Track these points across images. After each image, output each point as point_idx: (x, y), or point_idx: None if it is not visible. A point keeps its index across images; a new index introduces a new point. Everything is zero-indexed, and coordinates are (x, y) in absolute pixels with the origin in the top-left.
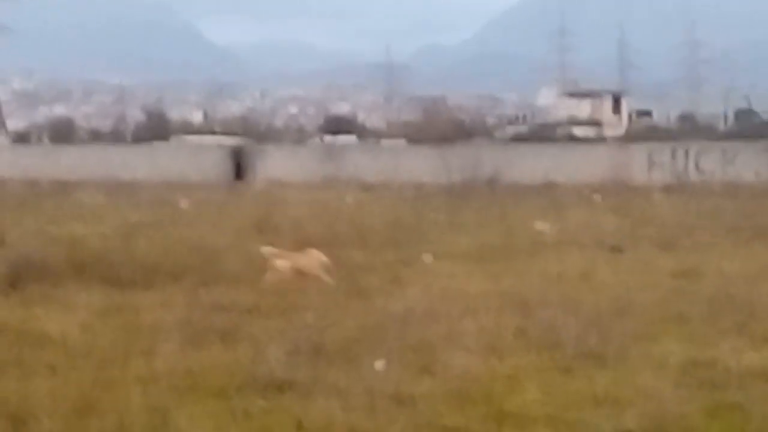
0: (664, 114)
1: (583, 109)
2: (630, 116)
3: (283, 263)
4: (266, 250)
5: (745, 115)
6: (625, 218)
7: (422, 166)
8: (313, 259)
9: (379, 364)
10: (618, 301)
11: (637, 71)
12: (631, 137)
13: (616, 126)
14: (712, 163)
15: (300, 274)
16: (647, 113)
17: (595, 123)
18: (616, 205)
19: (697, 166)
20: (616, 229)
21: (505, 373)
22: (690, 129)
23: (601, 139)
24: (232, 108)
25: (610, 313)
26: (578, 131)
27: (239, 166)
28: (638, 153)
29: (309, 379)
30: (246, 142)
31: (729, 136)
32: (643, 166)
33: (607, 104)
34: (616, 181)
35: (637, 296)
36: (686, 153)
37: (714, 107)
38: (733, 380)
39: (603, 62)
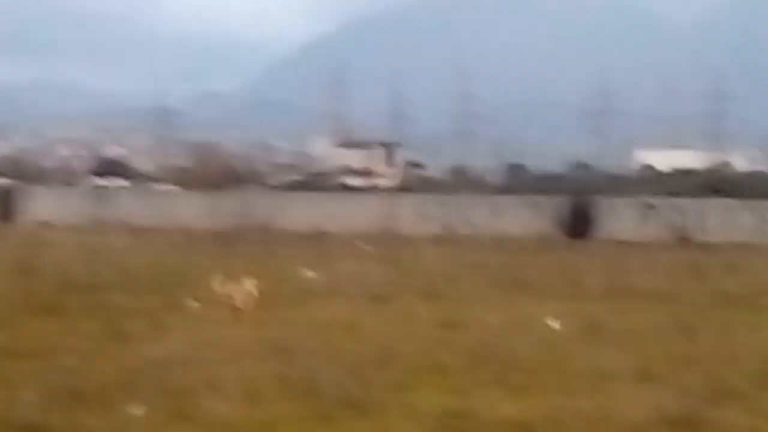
0: (437, 166)
1: (357, 159)
2: (402, 167)
3: (226, 291)
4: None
5: (514, 169)
6: (393, 268)
7: (194, 211)
8: (248, 290)
9: (137, 409)
10: (380, 351)
11: (412, 123)
12: (402, 188)
13: (388, 177)
14: (481, 216)
15: (237, 302)
16: (420, 165)
17: (367, 173)
18: (384, 255)
19: (466, 218)
20: (383, 279)
21: (263, 420)
22: (461, 182)
23: (373, 190)
24: (1, 148)
25: (372, 362)
26: (351, 181)
27: (5, 207)
28: (409, 204)
29: (64, 423)
30: (13, 182)
31: (498, 190)
32: (413, 217)
33: (380, 155)
34: (386, 231)
35: (400, 346)
36: (456, 205)
37: (485, 161)
38: (489, 431)
39: (378, 113)
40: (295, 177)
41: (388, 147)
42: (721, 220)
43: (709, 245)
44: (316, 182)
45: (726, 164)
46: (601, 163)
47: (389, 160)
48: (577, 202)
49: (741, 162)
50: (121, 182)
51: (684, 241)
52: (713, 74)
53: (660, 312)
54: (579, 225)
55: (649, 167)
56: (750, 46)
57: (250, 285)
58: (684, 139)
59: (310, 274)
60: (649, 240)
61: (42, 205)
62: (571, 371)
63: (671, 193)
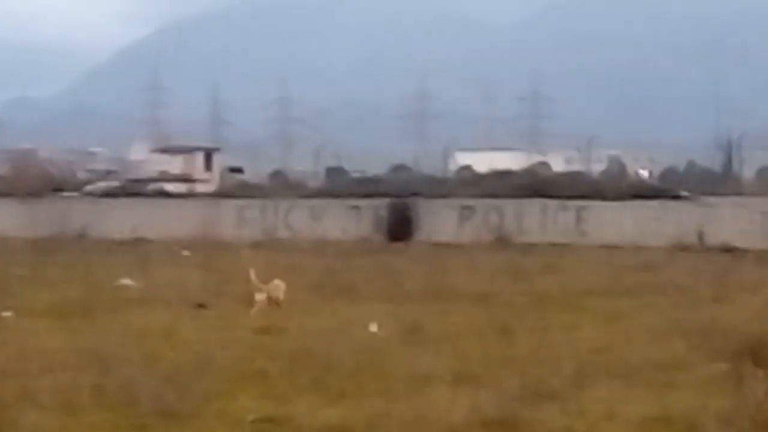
0: (256, 171)
1: (175, 164)
2: (222, 172)
3: (261, 296)
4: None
5: (334, 173)
6: (213, 274)
7: (9, 220)
8: (280, 288)
9: None
10: (199, 358)
11: (231, 128)
12: (222, 193)
13: (207, 182)
14: (301, 220)
15: (272, 301)
16: (239, 170)
17: (186, 179)
18: (204, 261)
19: (286, 222)
20: (203, 286)
21: (78, 431)
22: (281, 186)
23: (192, 195)
24: None
25: (190, 369)
26: (170, 187)
27: None
28: (228, 209)
29: None
30: None
31: (318, 193)
32: (233, 222)
33: (199, 160)
34: (205, 236)
35: (219, 353)
36: (276, 210)
37: (305, 165)
38: None
39: (197, 118)
40: (114, 183)
41: (207, 152)
42: (538, 221)
43: (527, 245)
44: (134, 188)
45: (543, 165)
46: (420, 166)
47: (208, 166)
48: (397, 205)
49: (558, 162)
50: None
51: (502, 242)
52: (529, 76)
53: (479, 313)
54: (398, 227)
55: (468, 168)
56: (564, 48)
57: (280, 284)
58: (502, 141)
59: (127, 281)
60: (468, 241)
61: None
62: (390, 375)
63: (489, 195)
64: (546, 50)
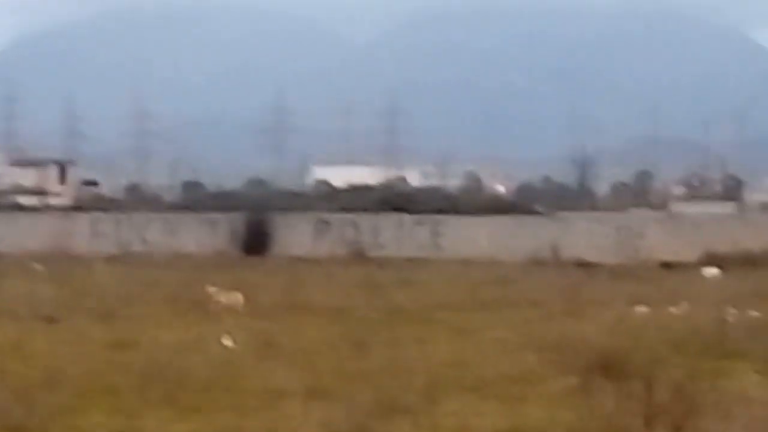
0: (112, 185)
1: (29, 177)
2: (76, 186)
3: (219, 299)
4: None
5: (190, 187)
6: (65, 288)
7: None
8: (237, 298)
9: None
10: (48, 373)
11: (86, 141)
12: (76, 207)
13: (61, 195)
14: (156, 235)
15: (228, 307)
16: (94, 183)
17: (40, 192)
18: (56, 275)
19: (141, 236)
20: (54, 299)
21: None
22: (137, 200)
23: (45, 209)
24: None
25: (39, 385)
26: (23, 200)
27: None
28: (82, 222)
29: None
30: None
31: (175, 207)
32: (87, 236)
33: (53, 173)
34: (58, 250)
35: (69, 367)
36: (131, 223)
37: (162, 179)
38: None
39: (52, 131)
40: None
41: (62, 165)
42: (395, 236)
43: (384, 260)
44: None
45: (401, 180)
46: (277, 180)
47: (62, 179)
48: (253, 219)
49: (415, 177)
50: None
51: (359, 256)
52: (387, 92)
53: (333, 328)
54: (254, 242)
55: (325, 183)
56: (422, 65)
57: (237, 295)
58: (360, 155)
59: None
60: (324, 256)
61: None
62: (243, 390)
63: (346, 209)
64: (404, 66)
